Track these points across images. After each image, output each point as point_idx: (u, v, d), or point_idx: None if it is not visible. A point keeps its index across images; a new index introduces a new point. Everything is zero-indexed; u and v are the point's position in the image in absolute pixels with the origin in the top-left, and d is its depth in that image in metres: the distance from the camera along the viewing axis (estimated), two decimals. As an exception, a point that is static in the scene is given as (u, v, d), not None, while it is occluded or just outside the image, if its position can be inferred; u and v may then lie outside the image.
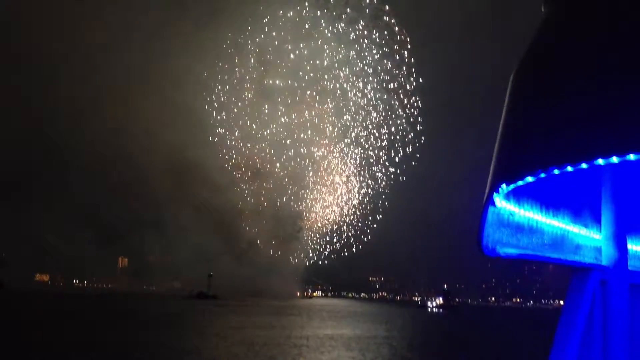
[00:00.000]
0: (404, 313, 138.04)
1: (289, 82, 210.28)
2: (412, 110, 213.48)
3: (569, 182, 2.56)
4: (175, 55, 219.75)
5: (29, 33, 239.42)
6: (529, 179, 1.97)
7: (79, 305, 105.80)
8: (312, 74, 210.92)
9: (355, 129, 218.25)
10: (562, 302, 2.75)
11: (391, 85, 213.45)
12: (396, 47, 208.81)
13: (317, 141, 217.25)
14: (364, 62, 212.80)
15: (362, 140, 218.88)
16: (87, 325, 61.33)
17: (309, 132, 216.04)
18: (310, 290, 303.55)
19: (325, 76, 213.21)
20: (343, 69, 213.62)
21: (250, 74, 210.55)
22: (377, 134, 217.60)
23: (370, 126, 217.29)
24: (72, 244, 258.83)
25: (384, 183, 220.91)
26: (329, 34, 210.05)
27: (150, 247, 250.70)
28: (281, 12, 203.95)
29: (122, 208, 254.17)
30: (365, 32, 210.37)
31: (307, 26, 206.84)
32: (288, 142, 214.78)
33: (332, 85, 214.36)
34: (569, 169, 1.86)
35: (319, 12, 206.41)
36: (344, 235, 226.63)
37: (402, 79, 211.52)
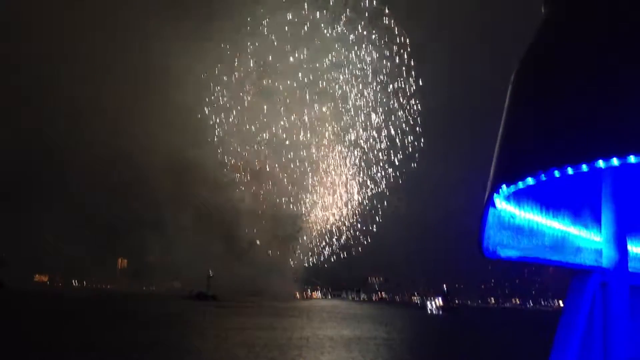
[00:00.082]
0: (403, 314, 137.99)
1: (288, 83, 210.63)
2: (412, 112, 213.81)
3: (569, 184, 2.55)
4: (175, 56, 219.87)
5: (29, 33, 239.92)
6: (530, 180, 1.96)
7: (78, 306, 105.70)
8: (311, 76, 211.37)
9: (355, 131, 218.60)
10: (561, 304, 2.74)
11: (391, 87, 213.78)
12: (395, 48, 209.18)
13: (317, 143, 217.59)
14: (363, 63, 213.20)
15: (361, 141, 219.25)
16: (87, 326, 61.29)
17: (308, 133, 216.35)
18: (309, 291, 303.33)
19: (325, 78, 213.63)
20: (342, 70, 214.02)
21: (250, 75, 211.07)
22: (376, 136, 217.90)
23: (369, 128, 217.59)
24: (71, 244, 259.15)
25: (383, 184, 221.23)
26: (328, 36, 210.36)
27: (150, 247, 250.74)
28: (280, 13, 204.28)
29: (122, 208, 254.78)
30: (365, 34, 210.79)
31: (306, 28, 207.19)
32: (287, 143, 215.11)
33: (331, 86, 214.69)
34: (570, 170, 1.85)
35: (318, 13, 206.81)
36: (344, 236, 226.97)
37: (402, 81, 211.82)
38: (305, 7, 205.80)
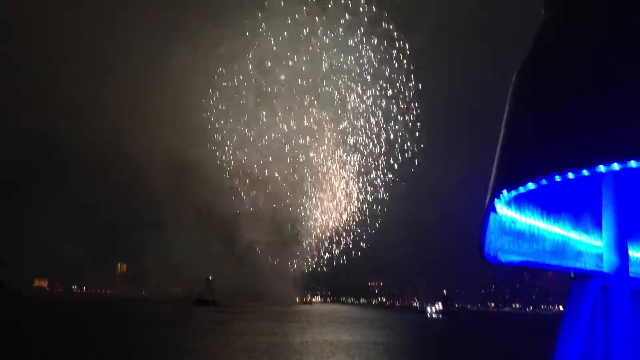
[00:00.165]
0: (403, 318, 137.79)
1: (288, 87, 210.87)
2: (411, 116, 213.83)
3: (569, 189, 2.54)
4: (175, 56, 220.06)
5: (29, 33, 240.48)
6: (530, 185, 1.95)
7: (77, 309, 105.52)
8: (310, 80, 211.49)
9: (354, 135, 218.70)
10: (561, 308, 2.72)
11: (390, 92, 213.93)
12: (395, 53, 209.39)
13: (316, 147, 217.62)
14: (363, 68, 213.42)
15: (360, 146, 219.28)
16: (86, 327, 61.23)
17: (308, 138, 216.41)
18: (309, 296, 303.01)
19: (324, 82, 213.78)
20: (342, 75, 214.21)
21: (249, 79, 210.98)
22: (375, 140, 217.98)
23: (369, 132, 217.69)
24: (71, 244, 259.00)
25: (382, 189, 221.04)
26: (327, 40, 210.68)
27: (150, 248, 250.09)
28: (280, 17, 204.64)
29: (122, 208, 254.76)
30: (364, 38, 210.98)
31: (305, 32, 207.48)
32: (286, 148, 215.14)
33: (330, 91, 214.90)
34: (570, 175, 1.84)
35: (317, 18, 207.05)
36: (343, 240, 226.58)
37: (401, 85, 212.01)
38: (305, 11, 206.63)
